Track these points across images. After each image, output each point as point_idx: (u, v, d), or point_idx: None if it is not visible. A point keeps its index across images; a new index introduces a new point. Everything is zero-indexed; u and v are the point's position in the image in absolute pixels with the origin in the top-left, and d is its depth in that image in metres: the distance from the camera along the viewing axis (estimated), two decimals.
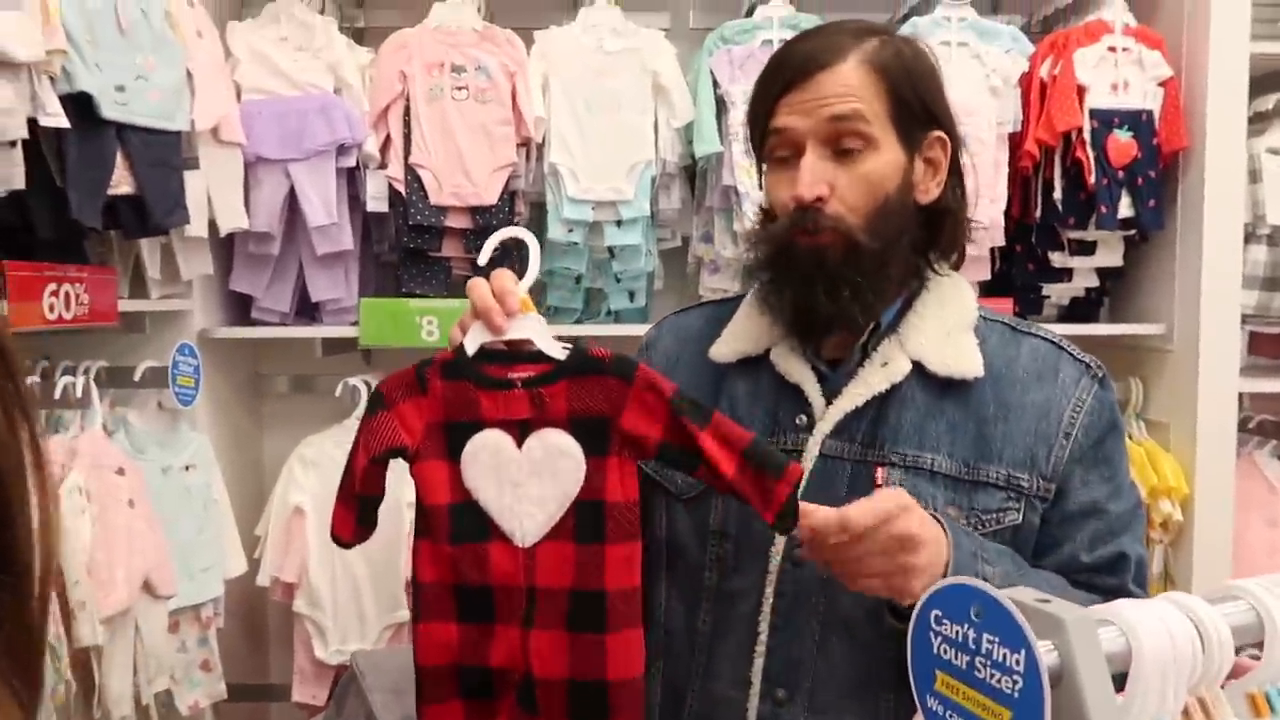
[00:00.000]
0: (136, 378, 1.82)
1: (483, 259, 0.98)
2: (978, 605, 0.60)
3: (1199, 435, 2.04)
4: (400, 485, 2.00)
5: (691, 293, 2.25)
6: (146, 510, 1.61)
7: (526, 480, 0.90)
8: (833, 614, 0.96)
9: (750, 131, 1.02)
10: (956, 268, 1.05)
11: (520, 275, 0.94)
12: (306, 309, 2.18)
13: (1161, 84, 2.06)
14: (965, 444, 0.97)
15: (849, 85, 0.93)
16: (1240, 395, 2.13)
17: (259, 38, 2.02)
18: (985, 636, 0.60)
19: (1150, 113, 2.05)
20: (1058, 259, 2.15)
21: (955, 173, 1.01)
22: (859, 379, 0.98)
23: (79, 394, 1.63)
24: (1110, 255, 2.16)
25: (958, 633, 0.61)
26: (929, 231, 1.00)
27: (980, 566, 0.88)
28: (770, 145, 0.98)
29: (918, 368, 0.97)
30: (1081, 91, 2.03)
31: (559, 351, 0.91)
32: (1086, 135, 2.03)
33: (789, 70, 0.95)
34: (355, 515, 0.92)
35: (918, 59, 0.98)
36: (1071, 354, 1.02)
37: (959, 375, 0.97)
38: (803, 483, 0.96)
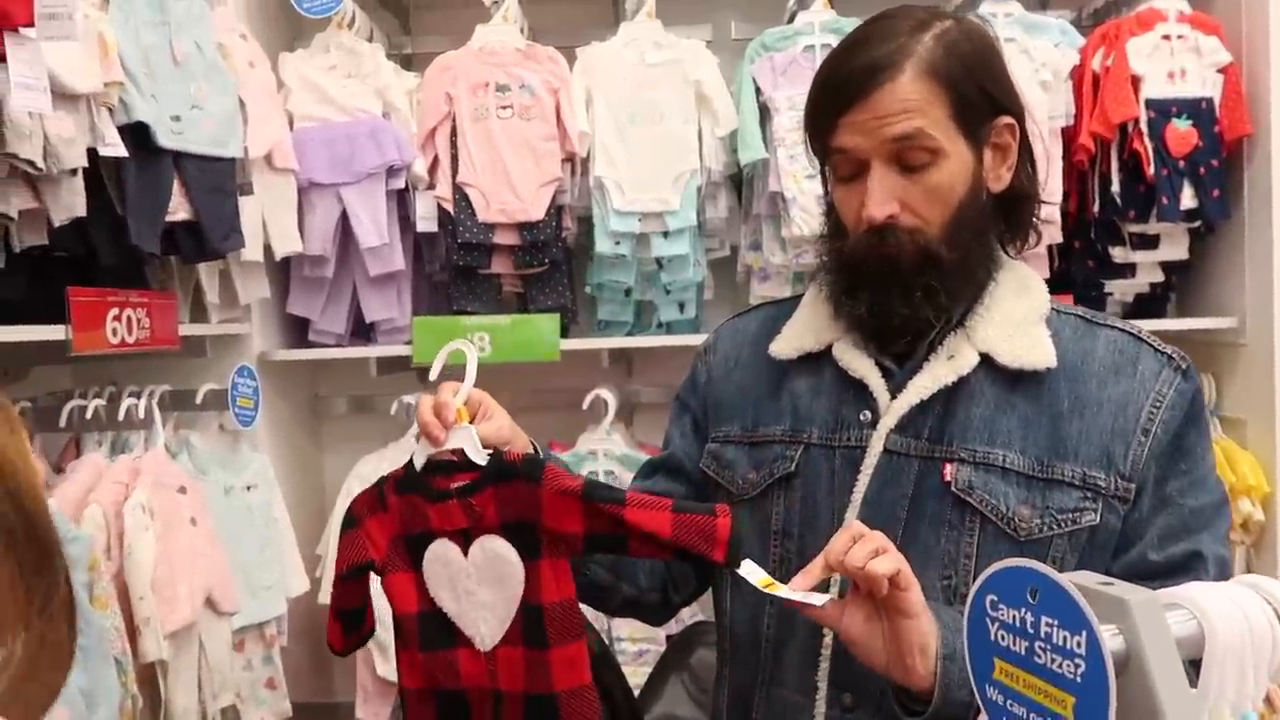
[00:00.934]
0: (198, 400, 1.87)
1: (433, 374, 1.01)
2: (1034, 586, 0.58)
3: (1279, 430, 1.96)
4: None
5: (742, 301, 2.24)
6: (208, 529, 1.64)
7: (476, 588, 0.95)
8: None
9: (810, 142, 1.00)
10: (1024, 248, 1.02)
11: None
12: (362, 330, 2.21)
13: (1221, 70, 1.99)
14: (1038, 440, 0.93)
15: (908, 100, 0.91)
16: None
17: (309, 67, 2.07)
18: (1044, 619, 0.57)
19: (1210, 100, 1.98)
20: (1119, 254, 2.08)
21: (1025, 151, 0.98)
22: (925, 372, 0.95)
23: (141, 415, 1.67)
24: (1175, 248, 2.09)
25: (1015, 617, 0.59)
26: (1003, 216, 0.98)
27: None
28: (834, 162, 0.97)
29: (986, 360, 0.94)
30: (1136, 81, 1.97)
31: (481, 458, 0.93)
32: (1144, 126, 1.97)
33: (846, 87, 0.92)
34: (342, 626, 0.99)
35: (975, 45, 0.94)
36: (1153, 345, 0.97)
37: (1030, 367, 0.93)
38: (860, 481, 0.95)
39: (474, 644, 0.95)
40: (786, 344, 1.03)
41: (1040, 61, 1.98)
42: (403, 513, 0.95)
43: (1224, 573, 0.91)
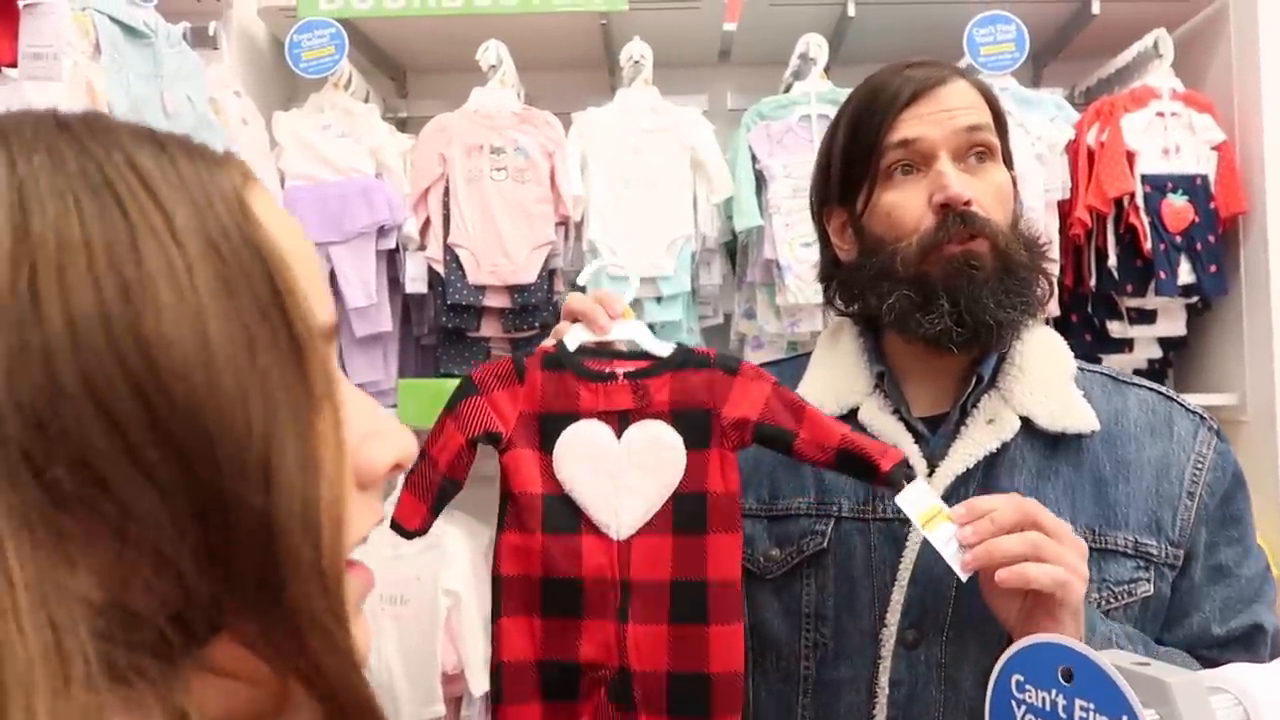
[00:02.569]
0: None
1: (582, 279, 1.06)
2: (1066, 666, 0.52)
3: None
4: (439, 569, 1.94)
5: None
6: None
7: (625, 472, 0.89)
8: (955, 702, 0.85)
9: (846, 161, 0.94)
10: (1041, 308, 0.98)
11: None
12: None
13: (1215, 148, 2.00)
14: (1086, 508, 0.87)
15: (971, 98, 0.91)
16: None
17: (303, 126, 2.06)
18: (1079, 703, 0.51)
19: (1205, 177, 1.99)
20: (1117, 329, 2.06)
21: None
22: (965, 438, 0.89)
23: None
24: (1173, 324, 2.07)
25: (1045, 700, 0.53)
26: None
27: (1112, 626, 0.80)
28: (891, 160, 0.90)
29: (1025, 424, 0.89)
30: (1131, 157, 1.98)
31: (663, 349, 0.91)
32: (1140, 201, 1.97)
33: (911, 85, 0.90)
34: (430, 503, 0.89)
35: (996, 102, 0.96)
36: (1183, 405, 0.93)
37: (1072, 430, 0.88)
38: (906, 559, 0.88)
39: (605, 531, 0.88)
40: None
41: (1035, 135, 1.98)
42: (545, 389, 0.90)
43: (1277, 643, 0.87)
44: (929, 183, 0.88)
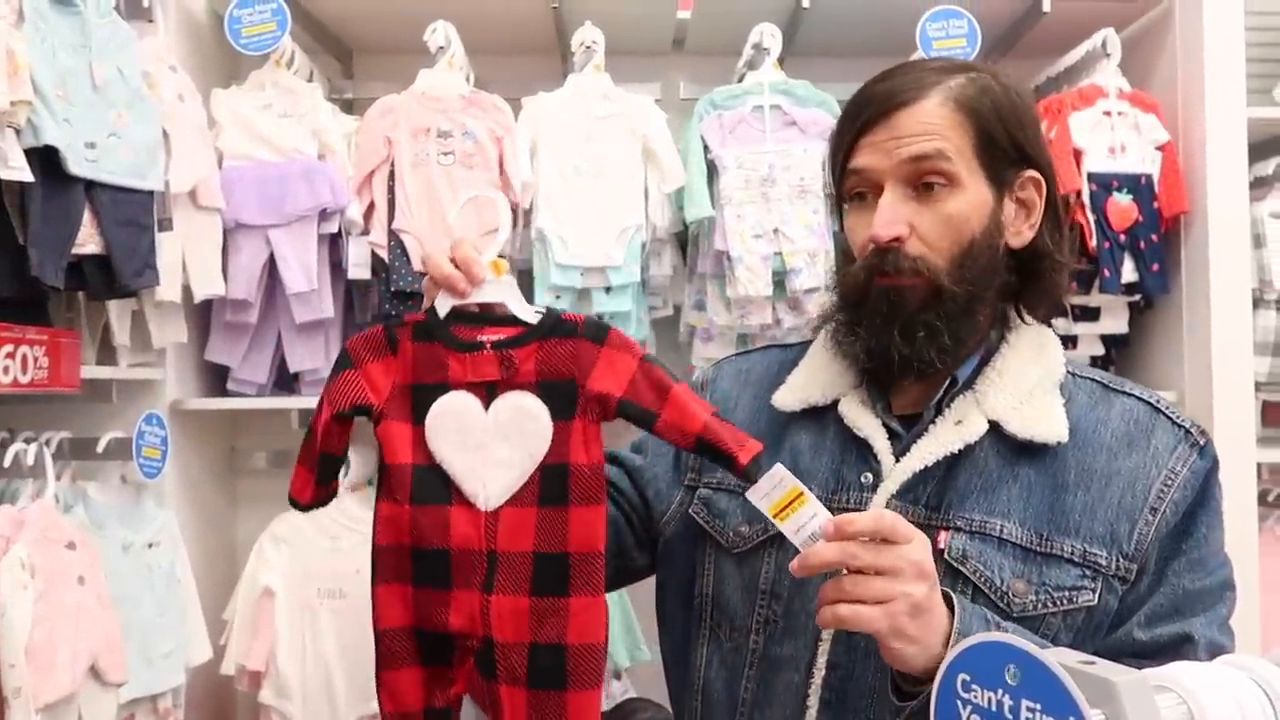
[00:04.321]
0: (100, 449, 1.73)
1: (452, 217, 0.96)
2: (1014, 666, 0.51)
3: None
4: None
5: (684, 363, 2.18)
6: (98, 589, 1.50)
7: (492, 443, 0.89)
8: (887, 689, 0.85)
9: (831, 172, 0.97)
10: (1049, 318, 0.97)
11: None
12: (285, 380, 2.10)
13: (1159, 148, 2.03)
14: (1039, 513, 0.87)
15: (930, 123, 0.88)
16: (1259, 466, 2.04)
17: (243, 104, 1.99)
18: (1025, 704, 0.50)
19: (1149, 176, 2.01)
20: (1062, 325, 2.07)
21: (1053, 216, 0.94)
22: (930, 436, 0.90)
23: (31, 462, 1.53)
24: (1116, 322, 2.10)
25: (991, 700, 0.52)
26: (1020, 278, 0.93)
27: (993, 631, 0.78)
28: (849, 185, 0.93)
29: (994, 428, 0.89)
30: (1078, 155, 2.00)
31: (531, 315, 0.89)
32: (1086, 199, 1.99)
33: (869, 109, 0.90)
34: (315, 475, 0.91)
35: (1009, 95, 0.91)
36: (1170, 417, 0.92)
37: (1040, 439, 0.88)
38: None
39: (473, 502, 0.89)
40: (791, 395, 0.98)
41: None
42: (417, 360, 0.90)
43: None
44: (874, 214, 0.90)
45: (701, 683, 0.97)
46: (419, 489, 0.89)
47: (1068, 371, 0.94)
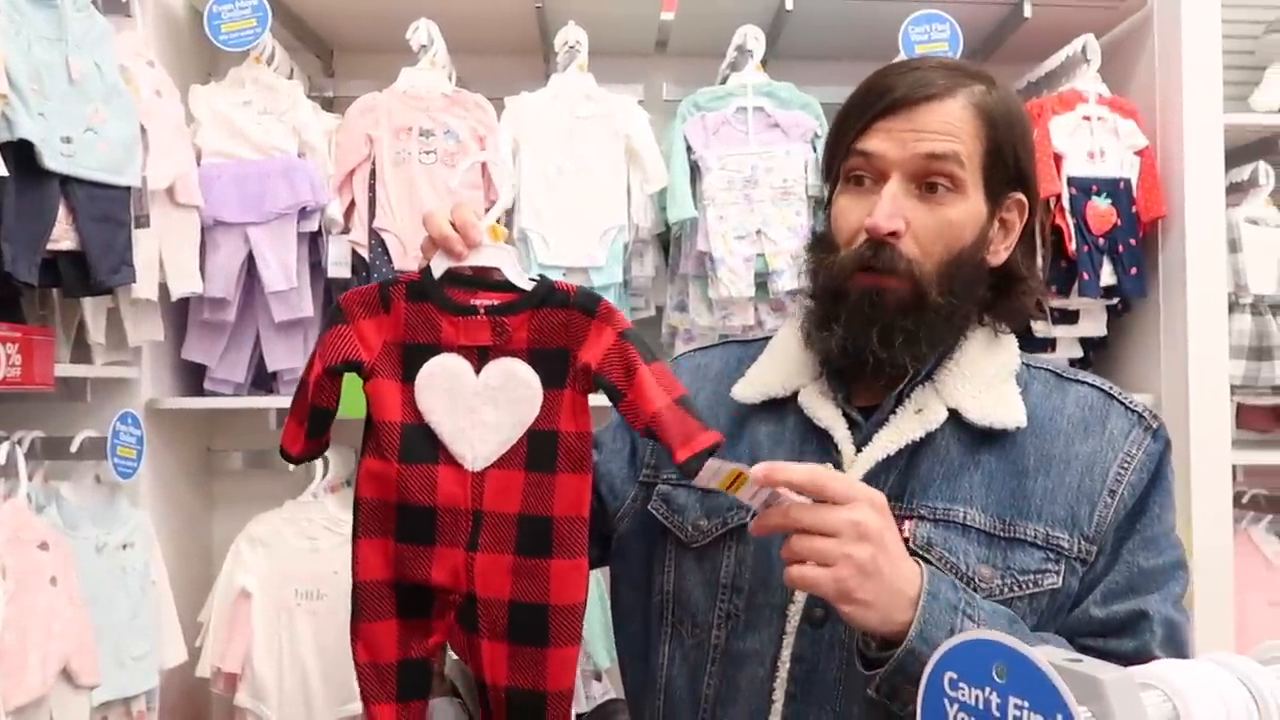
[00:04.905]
0: (74, 448, 1.71)
1: (454, 182, 1.02)
2: (1001, 664, 0.51)
3: (1194, 508, 1.96)
4: None
5: None
6: (71, 590, 1.48)
7: (482, 406, 0.90)
8: (856, 683, 0.85)
9: (828, 153, 0.95)
10: (1013, 330, 0.98)
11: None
12: (263, 380, 2.08)
13: (1138, 153, 2.05)
14: (1001, 498, 0.88)
15: (952, 123, 0.87)
16: (1233, 468, 2.06)
17: (222, 101, 1.97)
18: (1013, 701, 0.50)
19: (1128, 181, 2.03)
20: (1041, 328, 2.09)
21: (1028, 241, 0.95)
22: (891, 426, 0.90)
23: (2, 461, 1.51)
24: (1094, 325, 2.11)
25: (978, 698, 0.52)
26: (993, 295, 0.94)
27: (960, 621, 0.77)
28: (850, 165, 0.91)
29: (954, 416, 0.90)
30: (1058, 159, 2.01)
31: (526, 283, 0.91)
32: (1065, 202, 2.01)
33: (895, 92, 0.88)
34: (306, 428, 0.92)
35: (1020, 115, 0.92)
36: (1124, 403, 0.93)
37: (999, 425, 0.89)
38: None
39: (461, 463, 0.91)
40: (751, 388, 0.98)
41: None
42: (409, 320, 0.91)
43: (1173, 636, 0.87)
44: (874, 200, 0.88)
45: (664, 681, 0.97)
46: (407, 447, 0.90)
47: (1023, 363, 0.95)
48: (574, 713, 1.99)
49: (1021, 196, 0.93)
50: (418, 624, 0.93)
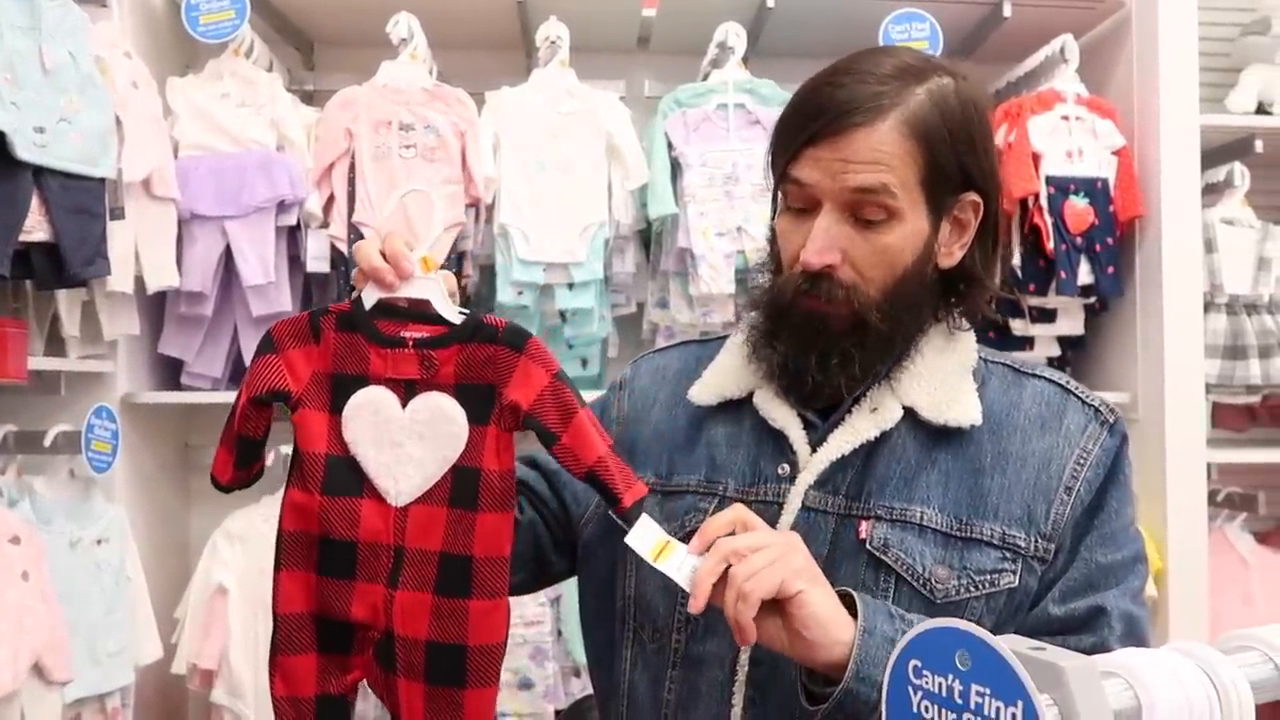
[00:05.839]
0: (48, 442, 1.69)
1: (386, 211, 0.96)
2: (964, 652, 0.51)
3: (1169, 506, 1.98)
4: None
5: None
6: (43, 585, 1.47)
7: (407, 441, 0.89)
8: (799, 693, 0.83)
9: (771, 161, 0.94)
10: (968, 325, 0.96)
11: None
12: (241, 375, 2.06)
13: (1115, 153, 2.06)
14: (959, 497, 0.87)
15: (881, 152, 0.84)
16: (1208, 466, 2.08)
17: (200, 93, 1.95)
18: (974, 688, 0.50)
19: (1105, 180, 2.04)
20: (1019, 326, 2.11)
21: (988, 234, 0.92)
22: (846, 425, 0.90)
23: None
24: (1072, 323, 2.13)
25: (941, 685, 0.52)
26: (944, 295, 0.93)
27: (898, 626, 0.78)
28: (787, 189, 0.90)
29: (910, 415, 0.89)
30: (1037, 158, 2.02)
31: (455, 316, 0.89)
32: (1044, 201, 2.02)
33: (820, 119, 0.85)
34: (234, 457, 0.92)
35: (965, 112, 0.87)
36: (1080, 397, 0.92)
37: (954, 423, 0.88)
38: (784, 517, 0.89)
39: (385, 498, 0.89)
40: (707, 389, 0.97)
41: None
42: (338, 350, 0.90)
43: (1132, 631, 0.86)
44: (810, 228, 0.87)
45: (626, 685, 0.96)
46: (331, 479, 0.89)
47: (980, 358, 0.94)
48: (553, 710, 1.99)
49: (975, 196, 0.90)
50: (337, 659, 0.91)
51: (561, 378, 0.88)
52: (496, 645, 0.89)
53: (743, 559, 0.77)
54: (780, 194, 0.92)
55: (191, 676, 1.90)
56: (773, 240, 0.95)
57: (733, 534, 0.81)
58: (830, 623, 0.77)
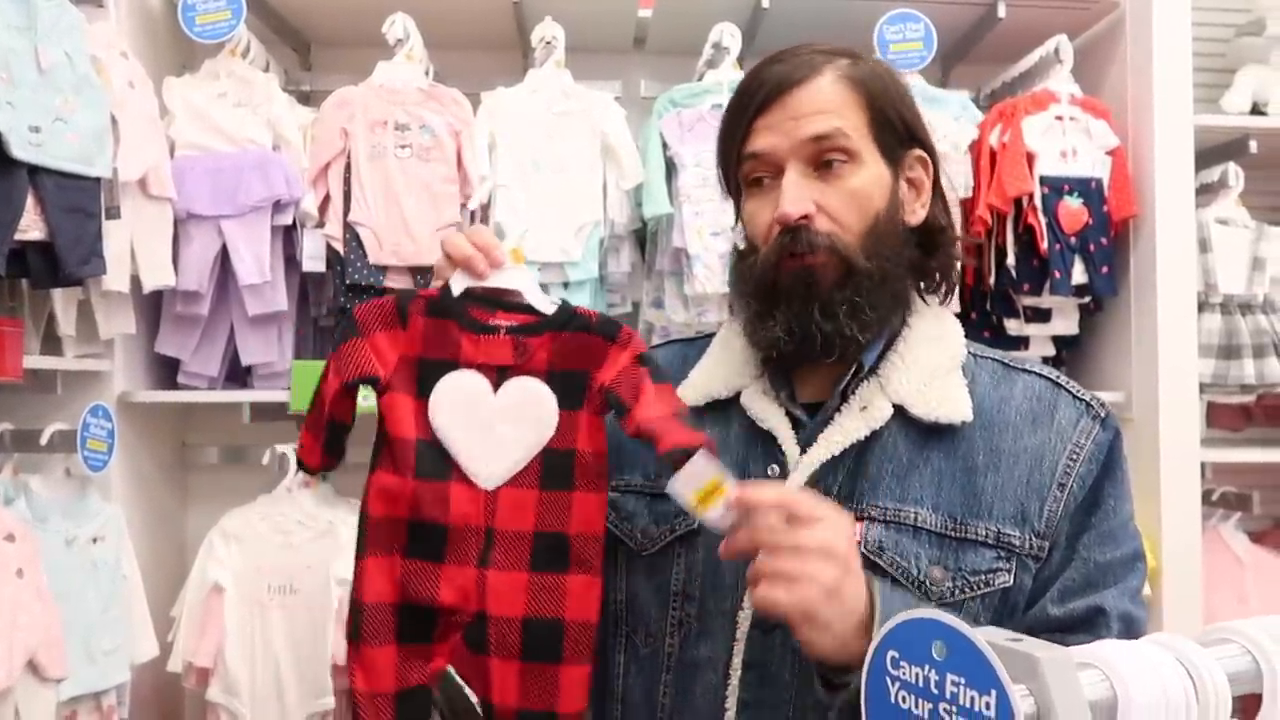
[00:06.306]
0: (44, 441, 1.70)
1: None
2: (941, 642, 0.52)
3: (1163, 506, 1.98)
4: (331, 557, 1.87)
5: None
6: (38, 582, 1.47)
7: (498, 424, 0.90)
8: (807, 690, 0.84)
9: (722, 165, 0.96)
10: (949, 293, 0.97)
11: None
12: (237, 374, 2.07)
13: (1109, 153, 2.07)
14: (952, 496, 0.87)
15: (827, 101, 0.88)
16: (1203, 466, 2.08)
17: (196, 93, 1.96)
18: (950, 678, 0.51)
19: (1100, 180, 2.05)
20: (1014, 326, 2.11)
21: (939, 194, 0.95)
22: (836, 425, 0.89)
23: None
24: (1066, 323, 2.13)
25: (918, 676, 0.52)
26: (921, 254, 0.94)
27: None
28: (747, 170, 0.91)
29: (900, 412, 0.89)
30: (1031, 158, 2.03)
31: (548, 305, 0.91)
32: (1038, 201, 2.02)
33: (763, 90, 0.89)
34: (323, 443, 0.92)
35: (893, 76, 0.93)
36: (1071, 392, 0.92)
37: (945, 420, 0.88)
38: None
39: (474, 481, 0.90)
40: (694, 390, 0.97)
41: (941, 134, 2.01)
42: (427, 335, 0.91)
43: (1130, 631, 0.86)
44: (779, 195, 0.89)
45: (620, 690, 0.96)
46: (421, 463, 0.89)
47: (969, 353, 0.94)
48: None
49: (922, 153, 0.93)
50: (418, 649, 0.90)
51: (644, 360, 0.90)
52: (591, 622, 0.89)
53: (772, 554, 0.75)
54: (741, 180, 0.93)
55: (187, 675, 1.90)
56: (741, 249, 0.96)
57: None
58: (831, 655, 0.75)
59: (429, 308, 0.91)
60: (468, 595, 0.89)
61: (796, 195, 0.87)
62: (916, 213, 0.93)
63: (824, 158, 0.88)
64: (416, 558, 0.89)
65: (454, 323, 0.90)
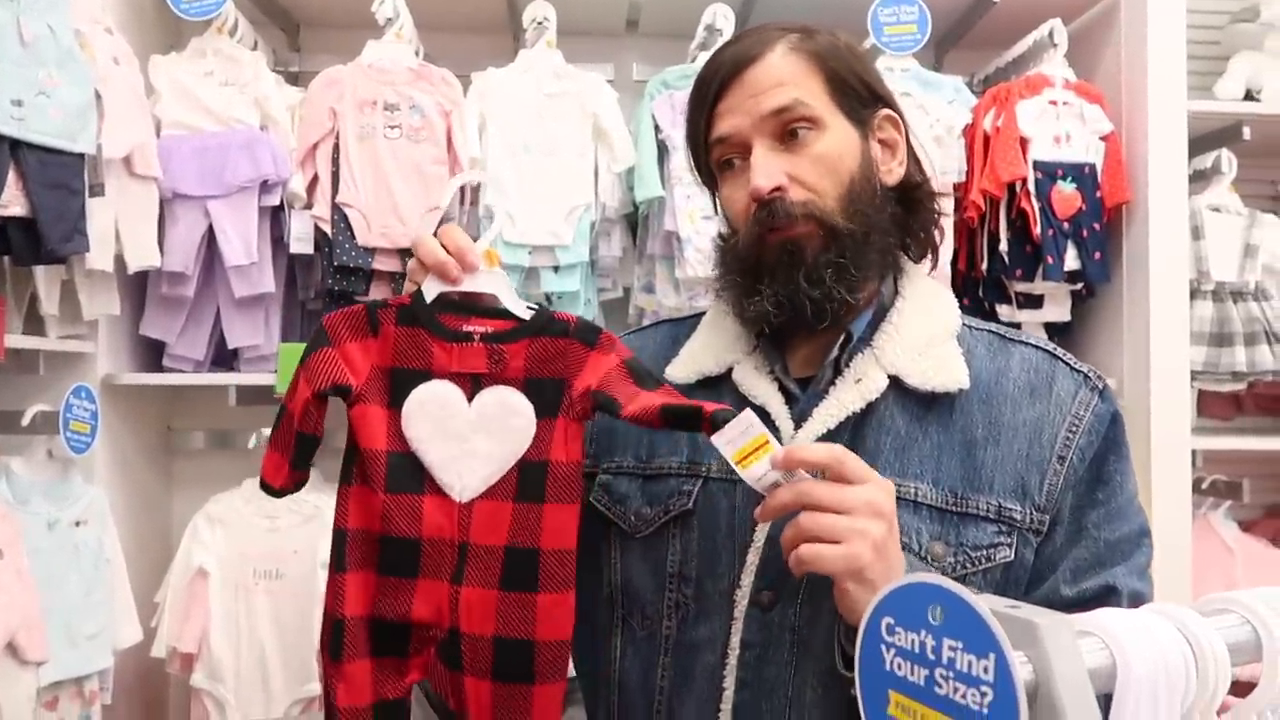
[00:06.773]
0: (25, 422, 1.67)
1: (444, 201, 0.95)
2: (937, 606, 0.50)
3: (1153, 493, 1.98)
4: (318, 542, 1.85)
5: None
6: (18, 564, 1.45)
7: (473, 436, 0.87)
8: (806, 667, 0.83)
9: (693, 157, 0.96)
10: (934, 254, 0.97)
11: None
12: (223, 357, 2.05)
13: (1103, 138, 2.06)
14: (952, 471, 0.86)
15: (783, 73, 0.89)
16: (1193, 454, 2.08)
17: (183, 71, 1.93)
18: (947, 643, 0.49)
19: (1093, 165, 2.04)
20: (1006, 312, 2.10)
21: (913, 152, 0.95)
22: (831, 398, 0.88)
23: None
24: (1058, 310, 2.12)
25: (914, 642, 0.51)
26: (903, 212, 0.93)
27: None
28: (717, 156, 0.92)
29: (895, 383, 0.87)
30: (1024, 143, 2.02)
31: (523, 310, 0.88)
32: (1031, 186, 2.01)
33: (720, 74, 0.90)
34: (291, 458, 0.88)
35: (848, 44, 0.93)
36: (1068, 363, 0.91)
37: (941, 388, 0.86)
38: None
39: (449, 494, 0.88)
40: (684, 367, 0.96)
41: (935, 117, 2.00)
42: (399, 344, 0.88)
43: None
44: (749, 176, 0.89)
45: (617, 674, 0.95)
46: (393, 476, 0.87)
47: (964, 324, 0.93)
48: None
49: (890, 113, 0.93)
50: (393, 663, 0.89)
51: (631, 362, 0.88)
52: (563, 641, 0.87)
53: (814, 516, 0.74)
54: (713, 168, 0.94)
55: (171, 660, 1.89)
56: (724, 235, 0.96)
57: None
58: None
59: (401, 316, 0.88)
60: (441, 611, 0.87)
61: (766, 169, 0.87)
62: (894, 171, 0.93)
63: (789, 128, 0.88)
64: (391, 574, 0.87)
65: (425, 330, 0.87)
